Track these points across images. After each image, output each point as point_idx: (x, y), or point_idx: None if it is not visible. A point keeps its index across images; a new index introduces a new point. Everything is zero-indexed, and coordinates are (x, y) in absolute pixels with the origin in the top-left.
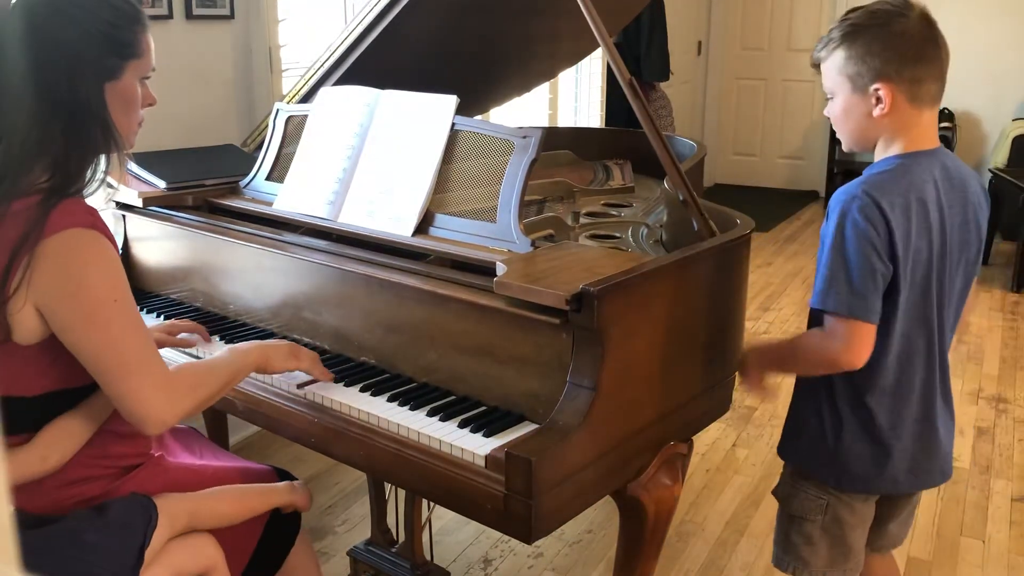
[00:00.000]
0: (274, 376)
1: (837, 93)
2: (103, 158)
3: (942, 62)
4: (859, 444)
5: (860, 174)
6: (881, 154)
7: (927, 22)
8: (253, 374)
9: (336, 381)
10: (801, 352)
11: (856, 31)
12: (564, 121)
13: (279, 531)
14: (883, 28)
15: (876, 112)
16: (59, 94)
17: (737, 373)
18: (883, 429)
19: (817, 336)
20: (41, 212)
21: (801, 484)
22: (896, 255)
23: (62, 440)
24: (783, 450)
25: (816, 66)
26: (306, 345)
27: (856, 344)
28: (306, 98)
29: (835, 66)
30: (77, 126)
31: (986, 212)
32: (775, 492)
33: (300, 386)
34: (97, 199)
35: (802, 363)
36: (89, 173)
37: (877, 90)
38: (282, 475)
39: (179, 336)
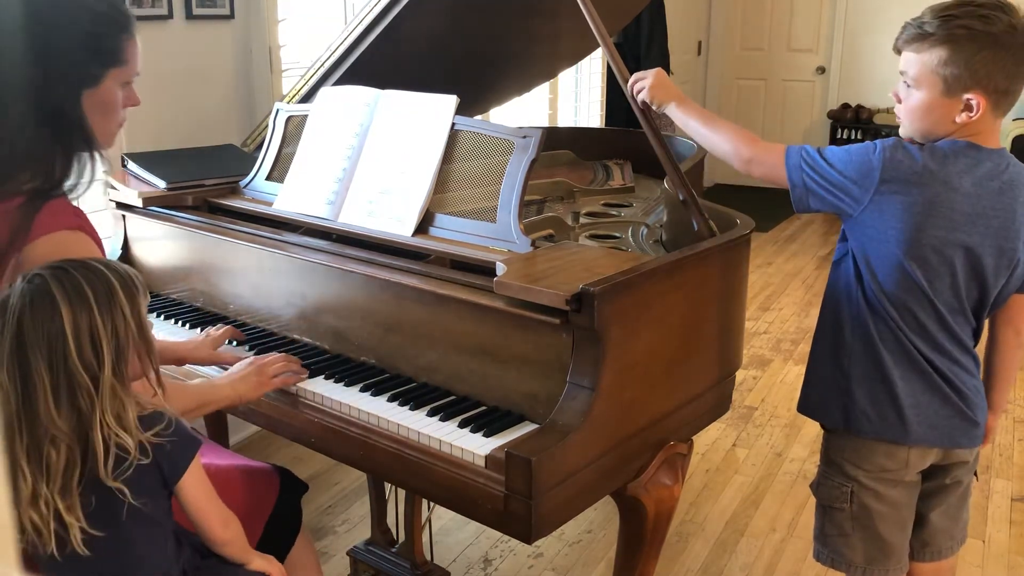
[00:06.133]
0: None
1: (924, 89)
2: (87, 159)
3: None
4: (867, 382)
5: None
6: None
7: None
8: None
9: (336, 381)
10: (725, 131)
11: (964, 35)
12: (564, 121)
13: (280, 530)
14: (995, 38)
15: (960, 118)
16: (38, 102)
17: (647, 78)
18: (884, 370)
19: (753, 142)
20: (26, 214)
21: (827, 471)
22: (875, 195)
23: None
24: (800, 403)
25: (899, 51)
26: (306, 345)
27: (759, 170)
28: (306, 98)
29: (930, 62)
30: (56, 131)
31: None
32: (811, 486)
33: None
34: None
35: (714, 134)
36: (73, 176)
37: (970, 99)
38: (282, 473)
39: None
